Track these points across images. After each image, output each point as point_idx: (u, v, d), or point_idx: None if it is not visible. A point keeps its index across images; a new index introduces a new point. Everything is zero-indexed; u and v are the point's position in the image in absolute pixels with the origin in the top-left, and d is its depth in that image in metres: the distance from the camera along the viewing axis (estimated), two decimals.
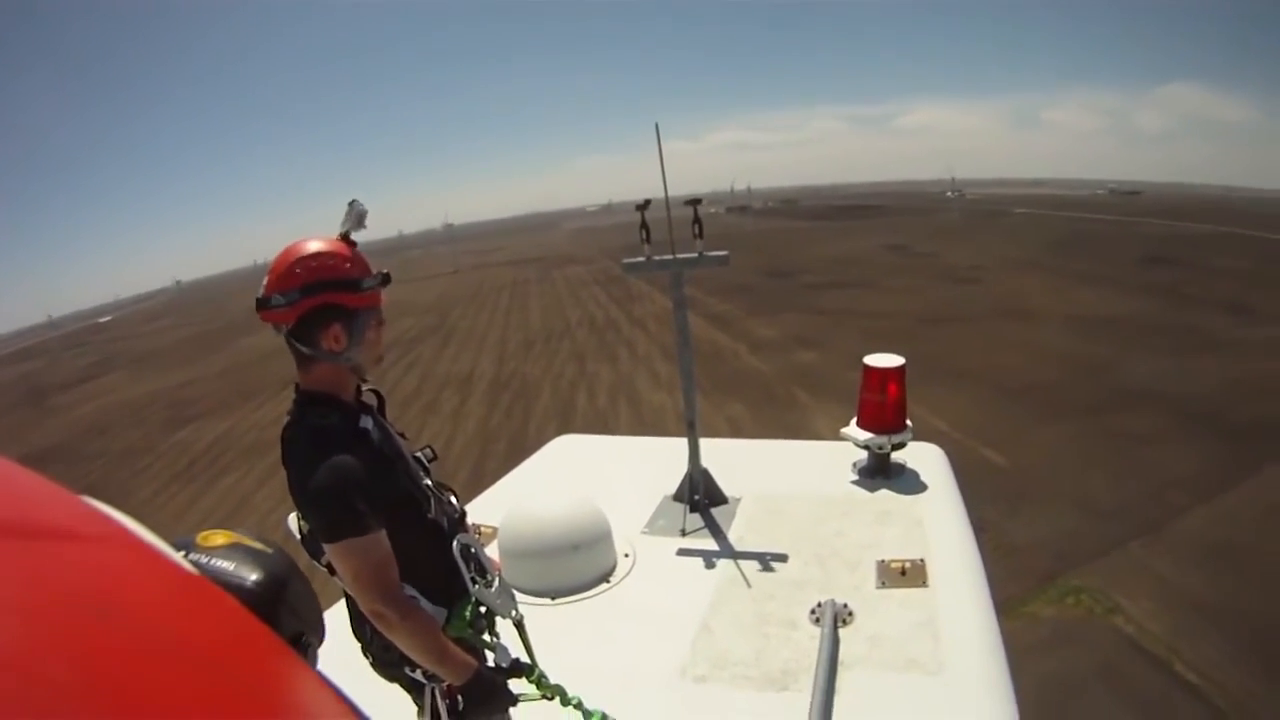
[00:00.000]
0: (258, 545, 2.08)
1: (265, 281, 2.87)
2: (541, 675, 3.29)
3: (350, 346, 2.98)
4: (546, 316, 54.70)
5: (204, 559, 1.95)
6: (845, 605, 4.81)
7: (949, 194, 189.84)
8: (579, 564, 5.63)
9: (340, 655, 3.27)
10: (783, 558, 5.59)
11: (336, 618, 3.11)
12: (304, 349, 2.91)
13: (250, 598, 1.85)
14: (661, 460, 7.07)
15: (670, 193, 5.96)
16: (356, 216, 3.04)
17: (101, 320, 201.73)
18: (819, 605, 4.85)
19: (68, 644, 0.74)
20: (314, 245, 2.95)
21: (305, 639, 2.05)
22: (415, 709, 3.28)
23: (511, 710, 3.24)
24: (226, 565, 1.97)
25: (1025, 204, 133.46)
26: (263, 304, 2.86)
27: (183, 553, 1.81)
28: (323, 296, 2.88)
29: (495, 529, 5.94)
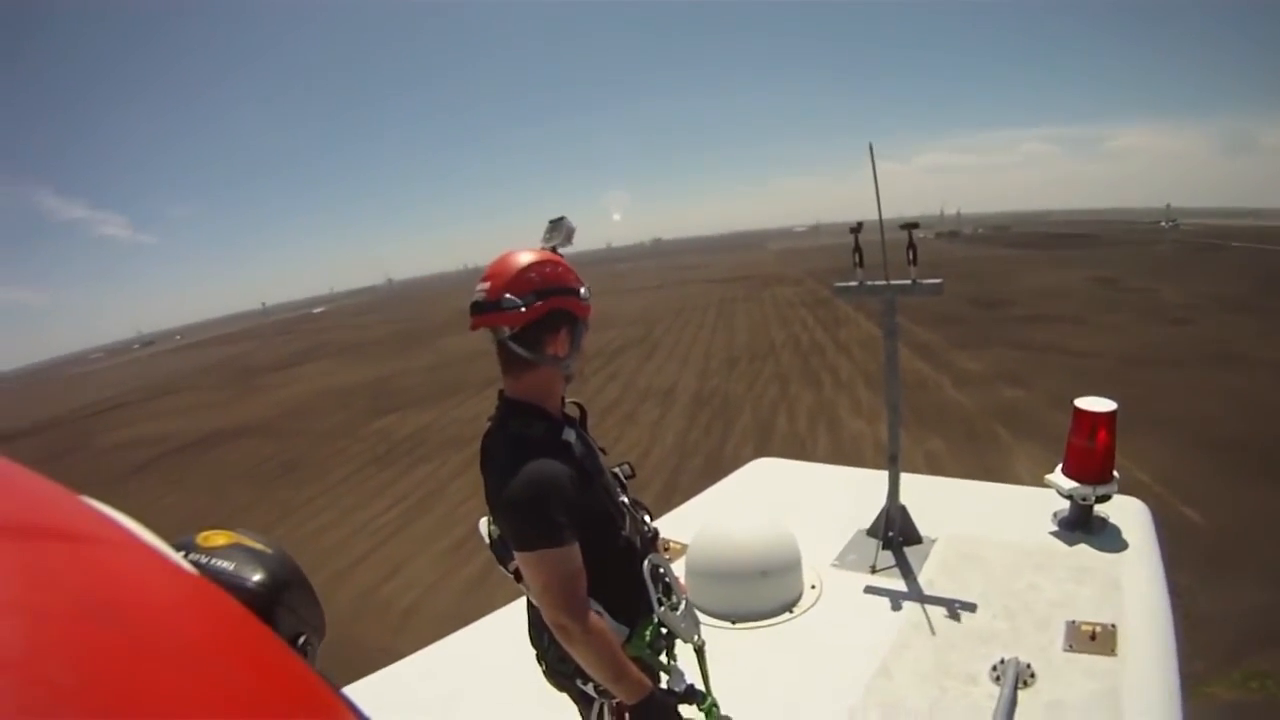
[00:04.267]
0: (258, 545, 2.08)
1: (486, 286, 2.92)
2: (714, 705, 3.26)
3: (571, 353, 3.05)
4: (751, 335, 54.59)
5: (204, 559, 1.95)
6: (1028, 666, 4.66)
7: (1163, 224, 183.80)
8: (765, 590, 5.59)
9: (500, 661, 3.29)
10: (971, 607, 5.44)
11: (509, 620, 3.13)
12: (526, 353, 2.94)
13: (251, 598, 1.86)
14: (859, 492, 6.99)
15: (882, 215, 5.84)
16: (566, 233, 3.15)
17: (315, 311, 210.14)
18: (1001, 662, 4.70)
19: (68, 644, 0.74)
20: (534, 255, 3.01)
21: (306, 639, 2.05)
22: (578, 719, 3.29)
23: None
24: (227, 565, 1.95)
25: (1244, 236, 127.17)
26: (490, 306, 2.90)
27: (183, 553, 1.82)
28: (555, 301, 2.95)
29: (685, 546, 5.95)
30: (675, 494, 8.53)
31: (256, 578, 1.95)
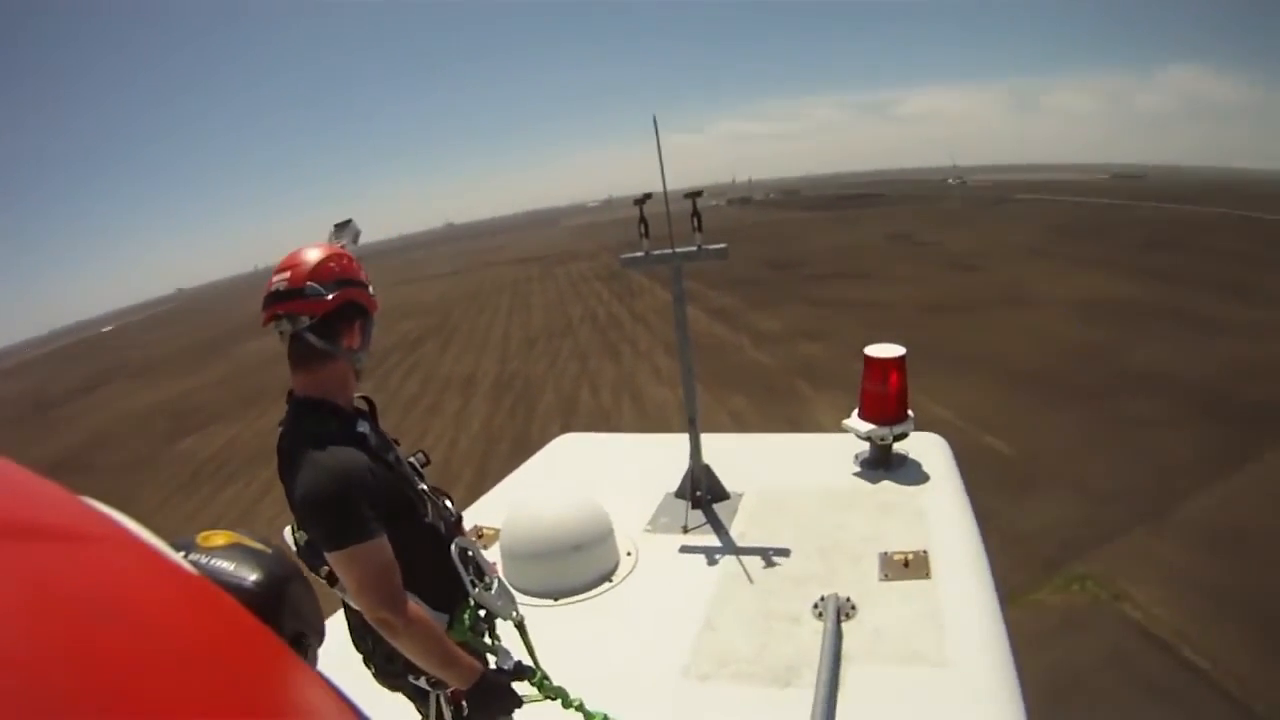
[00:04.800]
0: (258, 546, 2.08)
1: (287, 275, 2.92)
2: (544, 677, 3.30)
3: (363, 346, 3.09)
4: (548, 314, 54.57)
5: (204, 559, 1.96)
6: (848, 599, 4.83)
7: (951, 181, 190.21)
8: (581, 564, 5.64)
9: (341, 665, 3.29)
10: (785, 552, 5.60)
11: (337, 627, 3.11)
12: (323, 344, 2.94)
13: (250, 598, 1.85)
14: (663, 457, 7.09)
15: (671, 186, 5.94)
16: (353, 234, 3.26)
17: (104, 330, 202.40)
18: (822, 600, 4.86)
19: (69, 644, 0.74)
20: (328, 249, 3.06)
21: (305, 639, 2.06)
22: (417, 719, 3.29)
23: (516, 713, 3.24)
24: (226, 565, 1.97)
25: (1027, 190, 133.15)
26: (294, 294, 2.90)
27: (183, 553, 1.83)
28: (351, 293, 2.99)
29: (498, 530, 5.96)
30: (486, 481, 8.52)
31: (255, 578, 1.98)
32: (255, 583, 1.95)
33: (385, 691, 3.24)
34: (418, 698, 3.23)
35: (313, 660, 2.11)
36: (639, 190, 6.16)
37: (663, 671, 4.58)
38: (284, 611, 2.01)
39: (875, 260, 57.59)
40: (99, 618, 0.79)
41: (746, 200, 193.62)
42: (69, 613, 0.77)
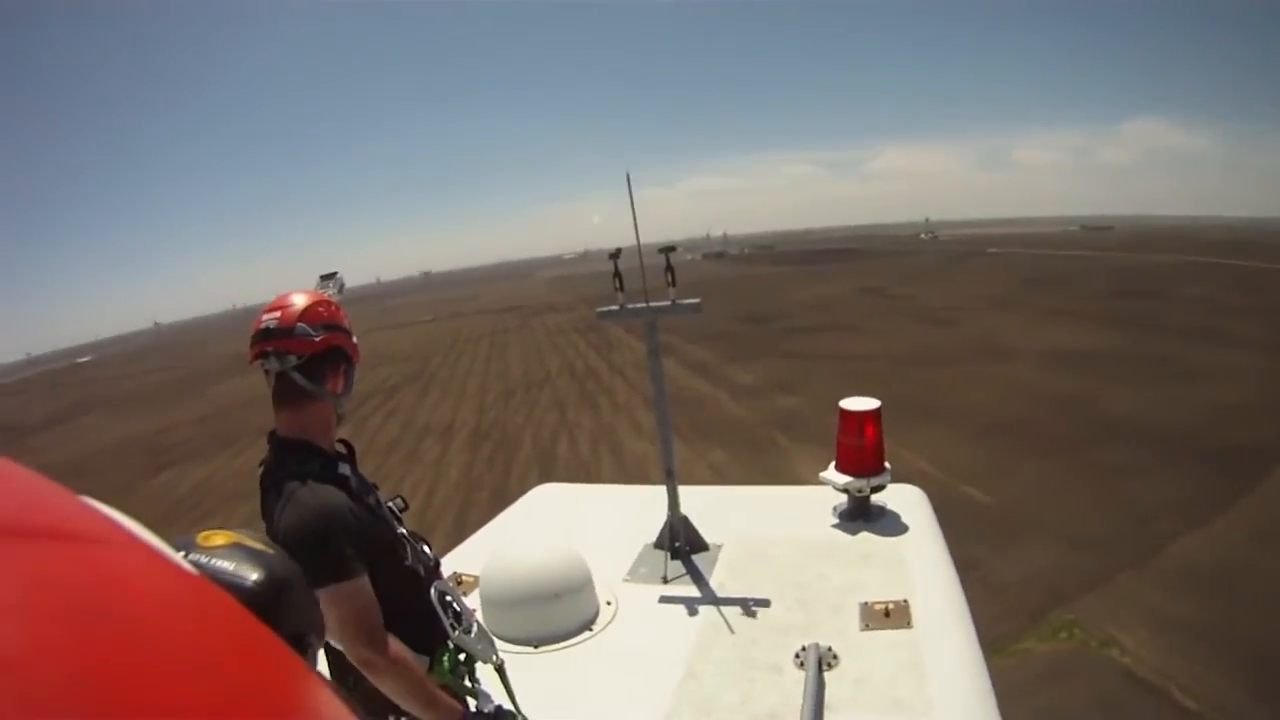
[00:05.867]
0: (258, 545, 2.09)
1: (277, 315, 2.99)
2: None
3: (346, 391, 3.15)
4: (526, 365, 54.49)
5: (204, 559, 1.96)
6: (830, 649, 4.80)
7: (923, 236, 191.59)
8: (561, 612, 5.61)
9: None
10: (765, 603, 5.57)
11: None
12: (308, 385, 2.99)
13: (251, 598, 1.89)
14: (642, 508, 7.07)
15: (645, 239, 6.02)
16: (338, 284, 3.32)
17: (80, 360, 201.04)
18: (803, 649, 4.83)
19: (68, 645, 0.74)
20: (316, 295, 3.14)
21: (306, 639, 2.07)
22: None
23: None
24: (227, 565, 1.97)
25: (998, 243, 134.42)
26: (283, 332, 2.96)
27: (183, 553, 1.83)
28: (338, 338, 3.06)
29: (477, 578, 5.94)
30: (465, 529, 8.49)
31: (256, 577, 1.97)
32: (256, 583, 1.95)
33: None
34: None
35: (313, 660, 2.12)
36: (616, 243, 6.20)
37: (644, 719, 4.58)
38: (284, 612, 2.00)
39: (850, 314, 57.95)
40: (98, 618, 0.79)
41: (721, 255, 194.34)
42: (68, 613, 0.77)
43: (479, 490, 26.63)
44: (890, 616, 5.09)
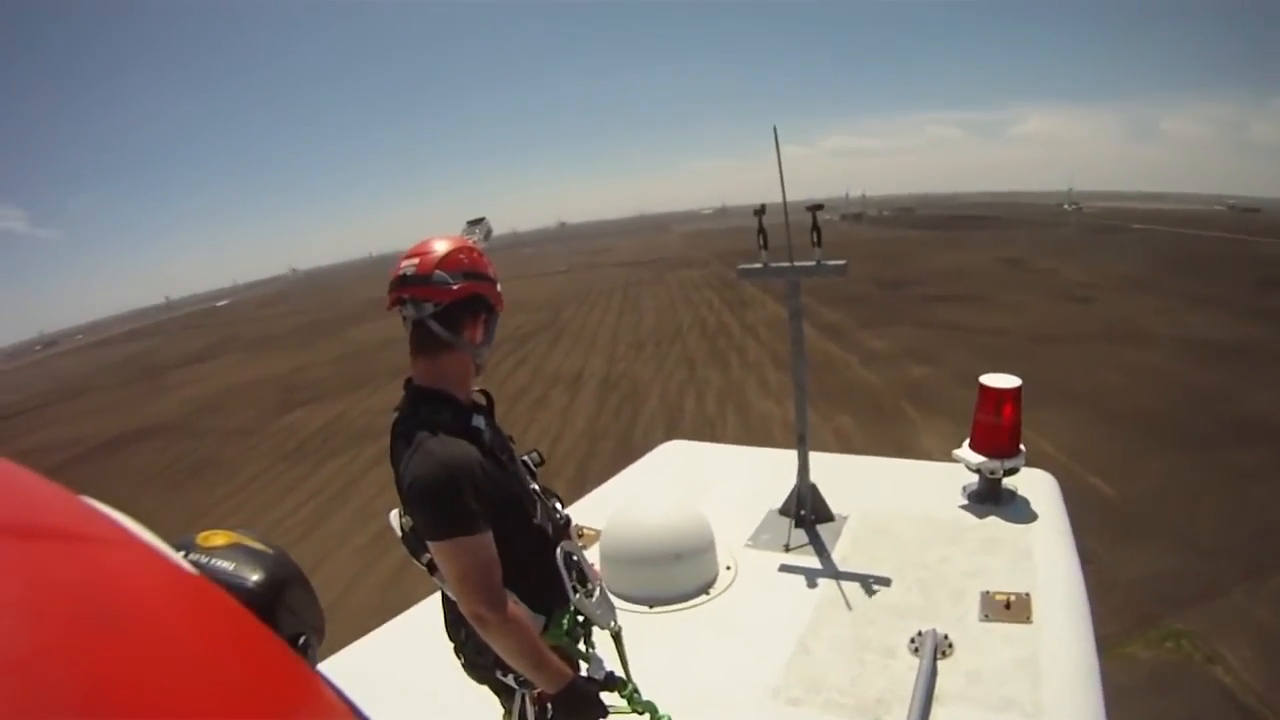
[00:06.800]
0: (258, 546, 2.07)
1: (415, 261, 2.93)
2: (634, 691, 3.27)
3: (486, 341, 3.07)
4: (659, 318, 54.78)
5: (204, 559, 1.95)
6: (946, 637, 4.71)
7: (1066, 206, 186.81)
8: (680, 574, 5.59)
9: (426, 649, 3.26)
10: (886, 581, 5.49)
11: (426, 613, 3.07)
12: (445, 334, 2.93)
13: (251, 598, 1.86)
14: (769, 472, 7.01)
15: (787, 198, 5.85)
16: (485, 231, 3.21)
17: (219, 304, 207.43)
18: (919, 634, 4.76)
19: (69, 645, 0.74)
20: (459, 241, 3.05)
21: (306, 639, 2.04)
22: (501, 713, 3.28)
23: None
24: (227, 565, 1.95)
25: (1143, 219, 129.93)
26: (420, 279, 2.90)
27: (183, 553, 1.82)
28: (479, 286, 2.97)
29: (598, 532, 5.94)
30: (588, 479, 8.53)
31: (256, 578, 1.96)
32: (256, 583, 1.95)
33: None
34: (503, 693, 3.22)
35: (313, 661, 2.11)
36: (752, 200, 6.07)
37: (752, 691, 4.52)
38: (285, 612, 2.00)
39: (987, 284, 56.72)
40: (98, 618, 0.80)
41: (859, 216, 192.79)
42: (68, 613, 0.78)
43: (604, 440, 26.84)
44: (1010, 609, 4.97)
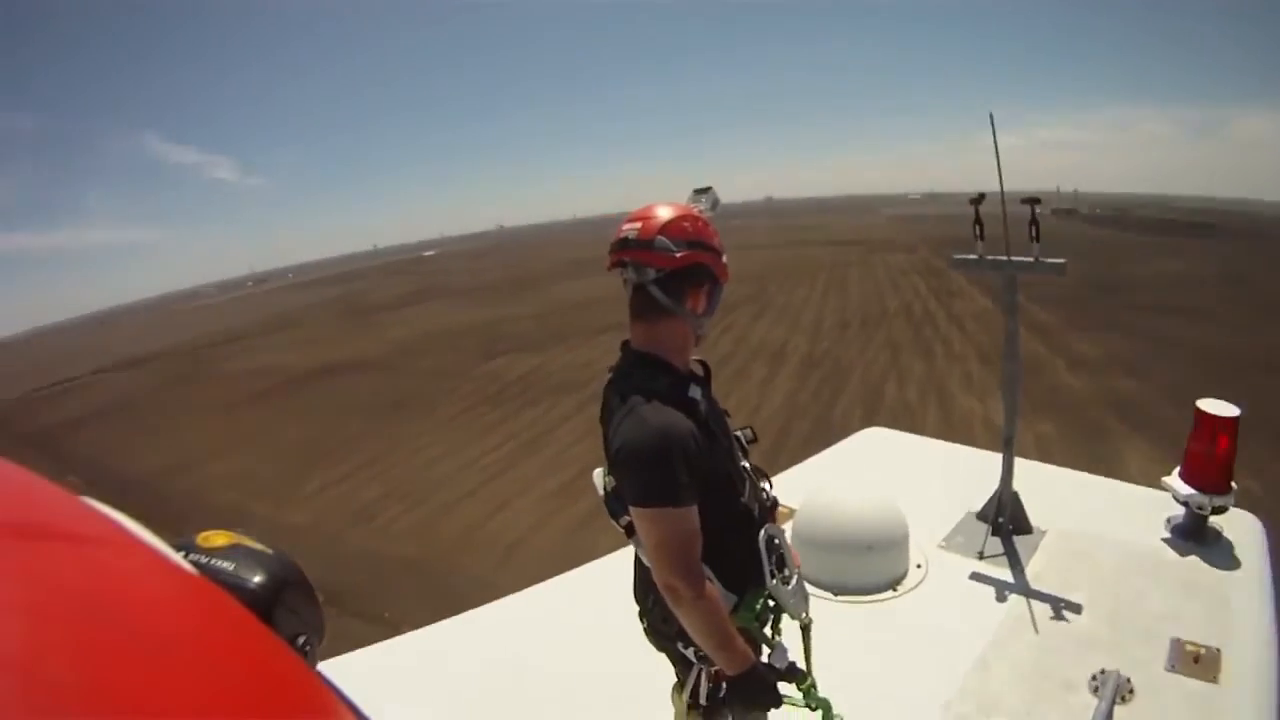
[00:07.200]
0: (259, 546, 2.09)
1: (638, 225, 2.90)
2: (813, 685, 3.21)
3: (708, 312, 3.04)
4: (864, 301, 54.33)
5: (204, 559, 1.98)
6: (1128, 680, 4.50)
7: None
8: (870, 565, 5.55)
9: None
10: (1077, 608, 5.29)
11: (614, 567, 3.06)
12: (666, 301, 2.90)
13: (251, 598, 1.91)
14: (970, 472, 6.89)
15: (996, 188, 5.70)
16: (712, 201, 3.19)
17: (426, 254, 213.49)
18: (1102, 673, 4.56)
19: (68, 645, 0.74)
20: (685, 209, 3.03)
21: (306, 640, 2.05)
22: (673, 680, 3.29)
23: (772, 712, 3.15)
24: (227, 566, 1.99)
25: None
26: (643, 244, 2.88)
27: (183, 553, 1.85)
28: (704, 256, 2.94)
29: (792, 510, 5.89)
30: (782, 455, 8.45)
31: (257, 578, 2.00)
32: (257, 584, 1.98)
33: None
34: (681, 664, 3.20)
35: (313, 661, 2.12)
36: (958, 188, 5.96)
37: (924, 701, 4.45)
38: (285, 612, 2.04)
39: (1207, 297, 53.90)
40: (98, 618, 0.80)
41: (1072, 212, 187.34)
42: (68, 613, 0.78)
43: (801, 419, 26.82)
44: (1199, 663, 4.68)
